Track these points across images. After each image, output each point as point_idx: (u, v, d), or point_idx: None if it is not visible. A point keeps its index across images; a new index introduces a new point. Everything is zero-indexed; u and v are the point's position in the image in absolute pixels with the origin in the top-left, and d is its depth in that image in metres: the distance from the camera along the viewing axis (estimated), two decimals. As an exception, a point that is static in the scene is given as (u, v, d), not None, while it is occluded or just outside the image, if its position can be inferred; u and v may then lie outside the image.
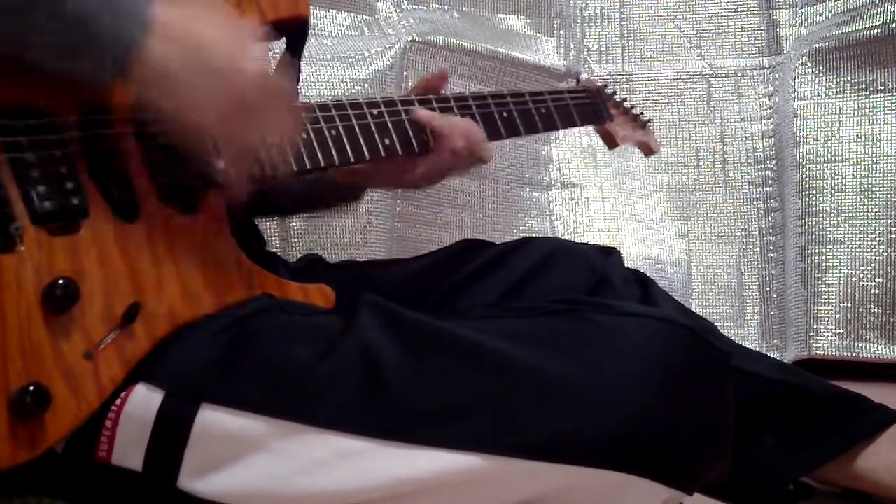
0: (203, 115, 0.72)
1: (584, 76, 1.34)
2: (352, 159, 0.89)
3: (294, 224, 1.62)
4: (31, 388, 0.64)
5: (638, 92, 1.98)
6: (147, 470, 0.70)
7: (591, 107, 1.23)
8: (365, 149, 0.91)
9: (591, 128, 1.30)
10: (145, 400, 0.70)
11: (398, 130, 0.95)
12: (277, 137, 0.78)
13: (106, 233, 0.71)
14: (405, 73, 1.75)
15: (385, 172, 1.02)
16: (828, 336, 1.79)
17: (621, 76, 2.02)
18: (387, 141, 0.93)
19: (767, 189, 1.97)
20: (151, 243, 0.73)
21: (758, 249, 1.97)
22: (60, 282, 0.67)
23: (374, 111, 0.93)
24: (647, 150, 1.39)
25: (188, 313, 0.75)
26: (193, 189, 0.78)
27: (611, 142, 1.32)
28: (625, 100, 1.33)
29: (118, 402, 0.71)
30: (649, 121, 1.37)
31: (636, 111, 1.35)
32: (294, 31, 0.93)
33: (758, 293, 1.95)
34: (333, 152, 0.87)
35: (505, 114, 1.07)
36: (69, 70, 0.67)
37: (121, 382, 0.70)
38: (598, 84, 1.29)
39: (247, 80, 0.71)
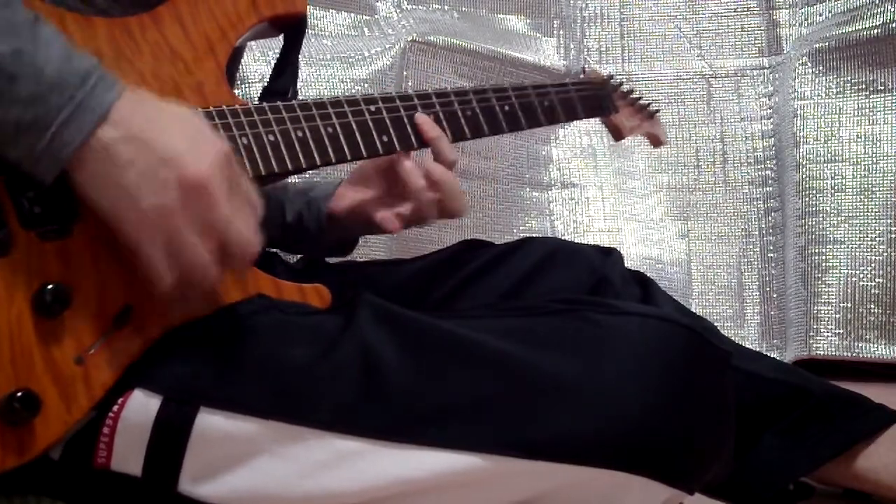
0: (141, 211, 0.66)
1: (588, 68, 1.30)
2: (349, 158, 0.89)
3: (294, 224, 1.61)
4: (20, 393, 0.64)
5: (638, 92, 1.97)
6: (147, 475, 0.70)
7: (597, 99, 1.21)
8: (362, 147, 0.90)
9: (591, 127, 1.28)
10: (143, 405, 0.70)
11: (396, 127, 0.94)
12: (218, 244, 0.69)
13: (98, 235, 0.70)
14: (405, 73, 1.75)
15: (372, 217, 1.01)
16: (828, 336, 1.79)
17: (621, 76, 2.01)
18: (384, 138, 0.93)
19: (767, 189, 1.97)
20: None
21: (758, 249, 1.97)
22: (51, 286, 0.66)
23: (372, 108, 0.92)
24: (656, 142, 1.36)
25: (181, 316, 0.74)
26: None
27: (617, 134, 1.28)
28: (631, 91, 1.31)
29: (115, 408, 0.70)
30: (657, 111, 1.34)
31: (643, 102, 1.32)
32: (291, 28, 0.92)
33: (758, 293, 1.95)
34: (330, 151, 0.87)
35: (507, 107, 1.05)
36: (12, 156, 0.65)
37: (112, 386, 0.70)
38: (604, 75, 1.27)
39: (194, 170, 0.66)
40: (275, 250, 1.13)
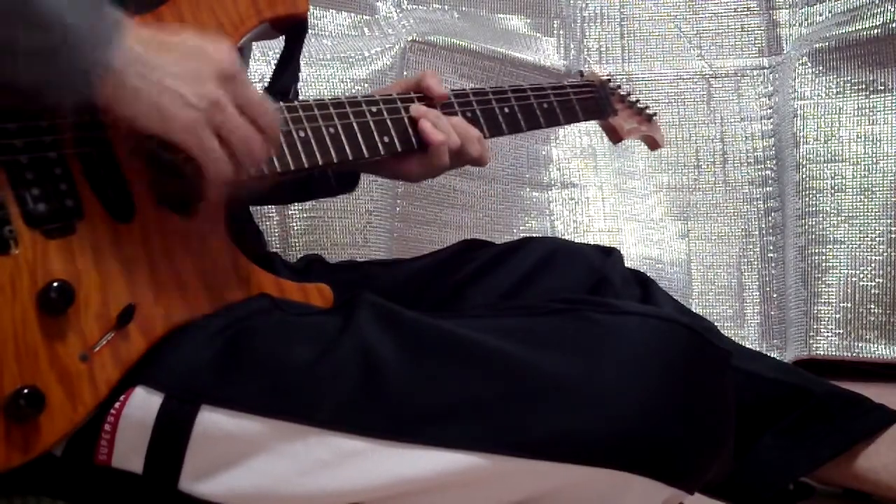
0: (178, 114, 0.69)
1: (587, 70, 1.30)
2: (350, 158, 0.89)
3: (294, 224, 1.62)
4: (26, 391, 0.64)
5: (638, 92, 1.96)
6: (148, 472, 0.70)
7: (595, 101, 1.21)
8: (364, 147, 0.90)
9: (591, 126, 1.28)
10: (145, 402, 0.70)
11: (397, 128, 0.94)
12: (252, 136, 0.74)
13: (101, 234, 0.71)
14: (405, 73, 1.75)
15: (382, 163, 1.02)
16: (828, 336, 1.79)
17: (621, 76, 2.01)
18: (386, 139, 0.93)
19: (767, 189, 1.97)
20: (147, 244, 0.73)
21: (758, 249, 1.97)
22: (55, 284, 0.66)
23: (373, 109, 0.93)
24: (653, 144, 1.36)
25: (184, 314, 0.75)
26: (186, 193, 0.77)
27: (615, 136, 1.28)
28: (629, 93, 1.31)
29: (117, 405, 0.71)
30: (654, 114, 1.34)
31: (641, 104, 1.32)
32: (292, 29, 0.92)
33: (758, 293, 1.95)
34: (332, 151, 0.87)
35: (506, 109, 1.06)
36: (44, 81, 0.66)
37: (116, 384, 0.70)
38: (602, 77, 1.26)
39: (220, 57, 0.71)
40: (275, 251, 1.13)
